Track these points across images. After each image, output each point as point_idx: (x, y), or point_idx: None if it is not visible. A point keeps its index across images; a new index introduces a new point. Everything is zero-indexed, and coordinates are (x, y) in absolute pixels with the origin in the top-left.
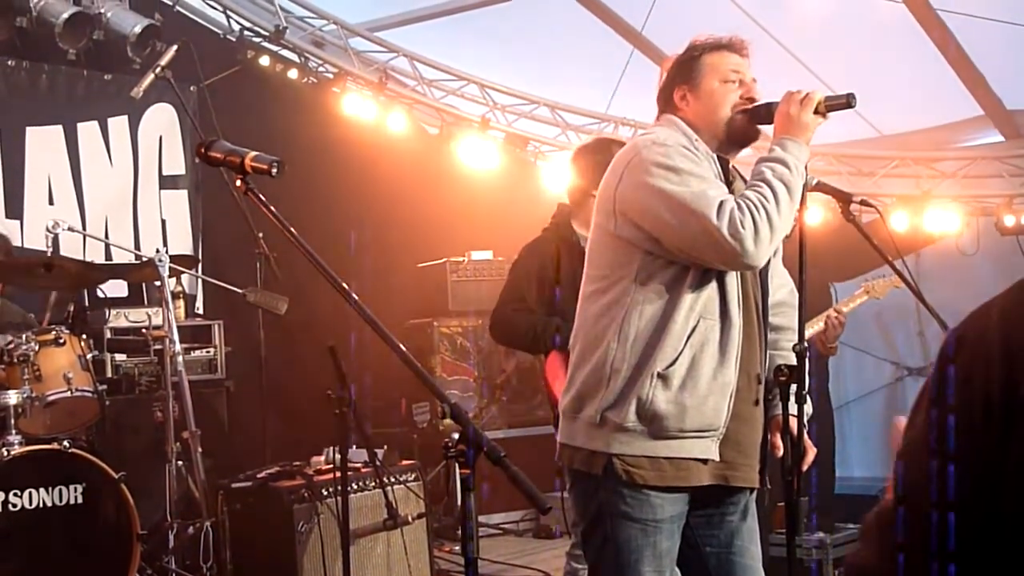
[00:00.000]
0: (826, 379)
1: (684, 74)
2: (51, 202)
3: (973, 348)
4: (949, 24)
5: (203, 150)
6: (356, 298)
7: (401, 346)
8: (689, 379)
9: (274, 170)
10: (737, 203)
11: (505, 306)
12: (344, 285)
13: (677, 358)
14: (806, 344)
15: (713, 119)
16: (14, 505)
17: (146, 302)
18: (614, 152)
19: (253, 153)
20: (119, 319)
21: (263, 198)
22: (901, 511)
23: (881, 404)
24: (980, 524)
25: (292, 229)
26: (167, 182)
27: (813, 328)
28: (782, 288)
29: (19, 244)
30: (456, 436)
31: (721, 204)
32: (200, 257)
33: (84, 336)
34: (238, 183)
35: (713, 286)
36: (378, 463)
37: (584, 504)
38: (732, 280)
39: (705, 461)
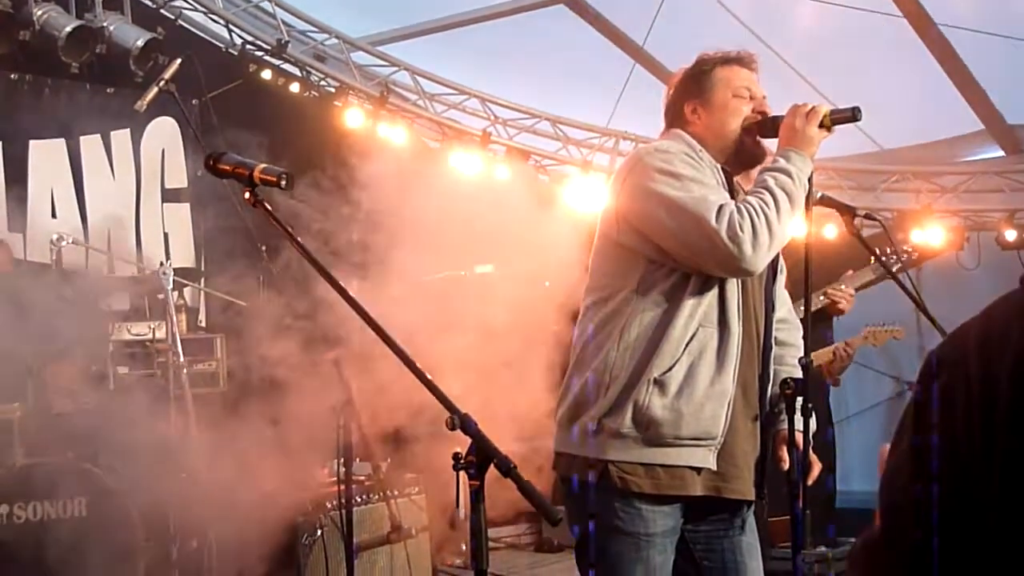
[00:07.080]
0: (827, 394)
1: (695, 88)
2: (54, 215)
3: (952, 369)
4: (950, 39)
5: (212, 162)
6: (364, 308)
7: (410, 356)
8: (686, 386)
9: (283, 182)
10: (737, 208)
11: None
12: (352, 296)
13: (674, 364)
14: (811, 359)
15: (723, 132)
16: (19, 517)
17: (148, 315)
18: None
19: (262, 165)
20: (122, 332)
21: (270, 209)
22: (885, 537)
23: (882, 418)
24: (965, 546)
25: (299, 239)
26: (169, 195)
27: (821, 358)
28: (781, 307)
29: (22, 257)
30: (465, 449)
31: (720, 208)
32: (203, 270)
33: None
34: (246, 195)
35: (714, 294)
36: (382, 476)
37: (577, 516)
38: (733, 290)
39: (699, 471)
